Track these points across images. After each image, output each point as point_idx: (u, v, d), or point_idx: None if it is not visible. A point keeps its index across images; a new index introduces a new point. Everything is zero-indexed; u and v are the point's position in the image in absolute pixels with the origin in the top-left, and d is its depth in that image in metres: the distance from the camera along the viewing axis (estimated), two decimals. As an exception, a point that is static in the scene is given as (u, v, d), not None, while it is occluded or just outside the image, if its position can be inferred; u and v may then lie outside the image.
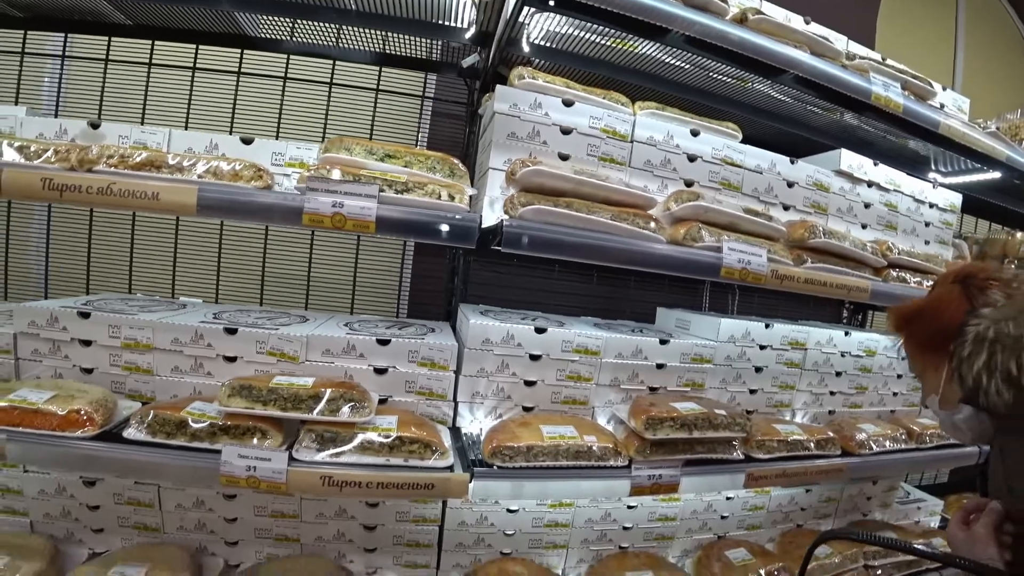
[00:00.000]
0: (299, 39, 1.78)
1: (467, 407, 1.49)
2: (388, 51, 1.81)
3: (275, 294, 1.96)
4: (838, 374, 1.89)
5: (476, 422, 1.50)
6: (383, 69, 1.91)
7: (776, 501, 1.91)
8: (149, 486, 1.49)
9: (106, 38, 1.81)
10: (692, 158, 1.59)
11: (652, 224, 1.34)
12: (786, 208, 1.74)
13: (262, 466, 1.18)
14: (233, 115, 1.87)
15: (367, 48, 1.80)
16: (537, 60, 1.66)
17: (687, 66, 1.65)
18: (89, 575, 1.36)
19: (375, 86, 1.94)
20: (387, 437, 1.25)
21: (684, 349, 1.62)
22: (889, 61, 1.77)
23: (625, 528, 1.71)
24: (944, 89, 2.00)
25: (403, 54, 1.82)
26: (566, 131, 1.47)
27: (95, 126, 1.42)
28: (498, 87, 1.44)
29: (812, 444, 1.62)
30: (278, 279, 1.96)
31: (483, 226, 1.24)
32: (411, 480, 1.22)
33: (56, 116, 1.81)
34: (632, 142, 1.53)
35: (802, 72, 1.53)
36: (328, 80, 1.91)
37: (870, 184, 1.87)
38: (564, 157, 1.47)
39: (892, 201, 1.92)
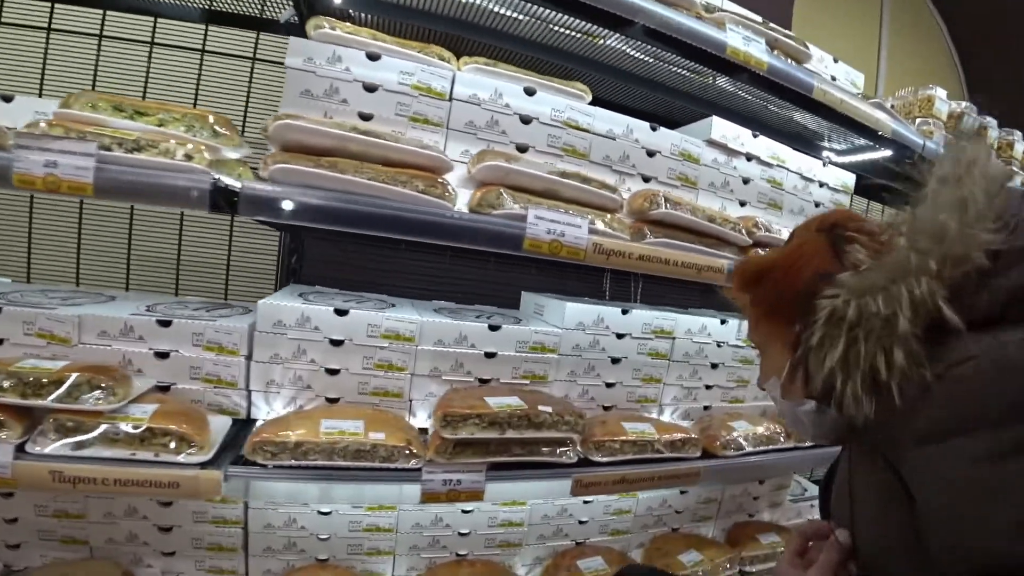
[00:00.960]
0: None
1: (262, 397, 1.37)
2: (215, 7, 1.70)
3: (89, 272, 1.85)
4: (714, 366, 1.75)
5: (274, 414, 1.39)
6: (209, 27, 1.80)
7: (645, 504, 1.77)
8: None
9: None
10: (526, 120, 1.46)
11: (438, 188, 1.21)
12: (646, 180, 1.60)
13: (-16, 458, 1.08)
14: (43, 76, 1.76)
15: (193, 4, 1.69)
16: (354, 12, 1.54)
17: (523, 17, 1.52)
18: None
19: (200, 47, 1.83)
20: (136, 428, 1.15)
21: (521, 336, 1.50)
22: (772, 25, 1.63)
23: (461, 534, 1.59)
24: (836, 61, 1.85)
25: (231, 11, 1.71)
26: (370, 88, 1.35)
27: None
28: (291, 39, 1.32)
29: (664, 445, 1.48)
30: (96, 255, 1.84)
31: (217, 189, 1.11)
32: (153, 477, 1.12)
33: None
34: (451, 100, 1.41)
35: (646, 20, 1.40)
36: (149, 40, 1.80)
37: (749, 158, 1.72)
38: (366, 117, 1.35)
39: (776, 177, 1.77)
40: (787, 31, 1.61)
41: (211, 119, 1.20)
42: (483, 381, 1.49)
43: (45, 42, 1.76)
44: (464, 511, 1.57)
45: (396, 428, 1.29)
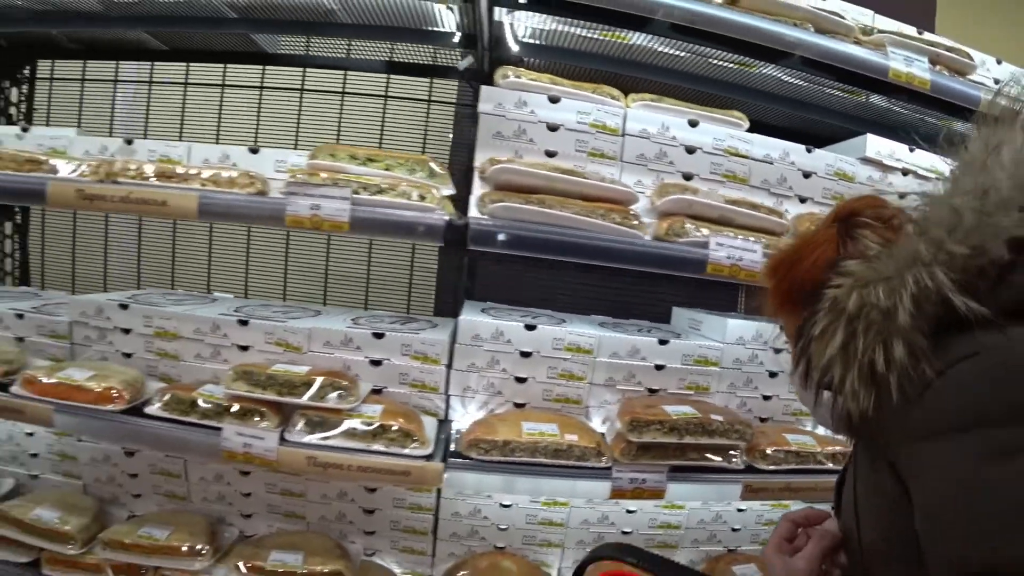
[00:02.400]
0: (314, 53, 1.98)
1: (459, 401, 1.59)
2: (395, 59, 1.96)
3: (296, 290, 2.19)
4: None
5: (468, 415, 1.60)
6: (391, 77, 2.07)
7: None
8: (178, 459, 1.73)
9: (149, 63, 2.12)
10: (691, 150, 1.60)
11: (632, 220, 1.38)
12: (803, 200, 1.70)
13: (256, 444, 1.35)
14: (257, 127, 2.11)
15: (376, 58, 1.97)
16: (528, 58, 1.73)
17: (682, 54, 1.66)
18: (122, 533, 1.61)
19: (383, 93, 2.11)
20: (370, 424, 1.39)
21: (686, 350, 1.64)
22: (927, 35, 1.68)
23: (624, 532, 1.74)
24: (999, 63, 1.85)
25: (409, 61, 1.97)
26: (553, 127, 1.54)
27: (129, 142, 1.67)
28: (482, 88, 1.54)
29: (826, 457, 1.58)
30: (299, 276, 2.18)
31: (449, 225, 1.34)
32: (388, 466, 1.35)
33: (111, 135, 2.13)
34: (624, 136, 1.57)
35: (806, 52, 1.50)
36: (341, 90, 2.10)
37: (905, 172, 1.77)
38: (551, 154, 1.55)
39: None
40: (949, 44, 1.65)
41: (429, 162, 1.42)
42: (652, 391, 1.64)
43: (259, 99, 2.10)
44: (628, 511, 1.72)
45: (584, 431, 1.47)
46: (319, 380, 1.41)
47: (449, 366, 1.57)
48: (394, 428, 1.39)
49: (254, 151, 1.60)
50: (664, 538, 1.76)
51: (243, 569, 1.54)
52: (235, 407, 1.42)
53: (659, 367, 1.63)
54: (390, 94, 2.12)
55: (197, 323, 1.60)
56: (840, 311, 0.67)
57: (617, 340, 1.60)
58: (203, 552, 1.58)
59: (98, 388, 1.47)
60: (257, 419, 1.41)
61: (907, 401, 0.61)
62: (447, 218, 1.30)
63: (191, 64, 2.10)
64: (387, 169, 1.40)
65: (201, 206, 1.33)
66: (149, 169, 1.40)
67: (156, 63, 2.12)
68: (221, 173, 1.39)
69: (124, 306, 1.64)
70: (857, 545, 0.75)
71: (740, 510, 1.81)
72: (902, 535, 0.63)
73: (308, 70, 2.07)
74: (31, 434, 1.85)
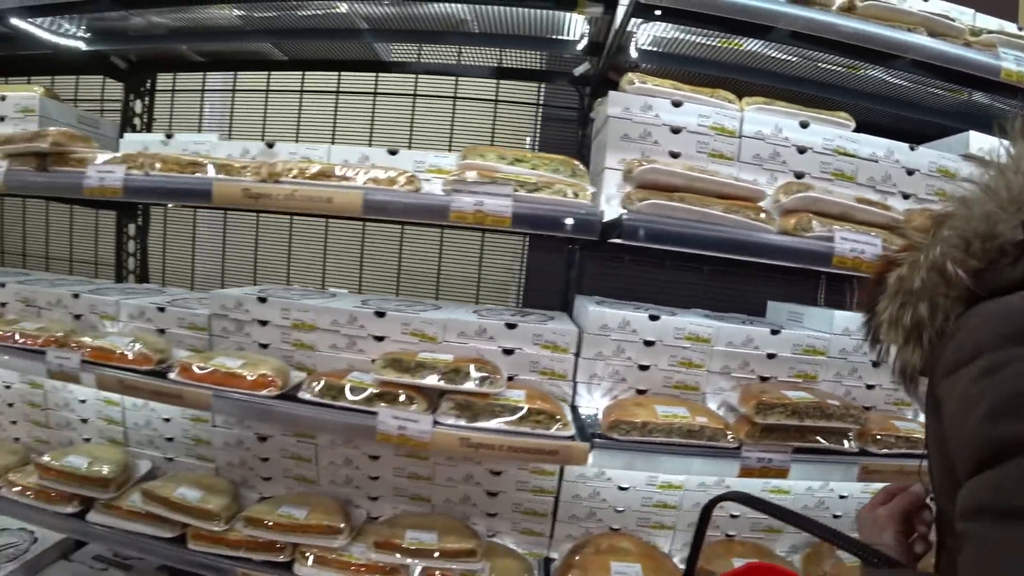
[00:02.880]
0: (426, 60, 2.07)
1: (585, 387, 1.67)
2: (505, 64, 2.05)
3: (407, 286, 2.28)
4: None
5: (593, 401, 1.67)
6: (500, 82, 2.16)
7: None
8: (308, 444, 1.81)
9: (266, 72, 2.22)
10: (802, 150, 1.68)
11: (762, 215, 1.46)
12: (906, 197, 1.76)
13: (411, 426, 1.43)
14: (372, 131, 2.20)
15: (486, 64, 2.05)
16: (644, 64, 1.81)
17: (794, 59, 1.74)
18: (262, 512, 1.69)
19: (494, 97, 2.19)
20: (517, 407, 1.47)
21: (796, 340, 1.70)
22: (1029, 32, 1.74)
23: (732, 516, 1.80)
24: None
25: (518, 66, 2.05)
26: (676, 130, 1.62)
27: (270, 145, 1.76)
28: (611, 93, 1.61)
29: (934, 441, 1.64)
30: (411, 273, 2.28)
31: (603, 221, 1.41)
32: (537, 446, 1.42)
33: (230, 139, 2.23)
34: (740, 137, 1.65)
35: (919, 56, 1.56)
36: (452, 95, 2.19)
37: (1006, 171, 1.83)
38: (675, 155, 1.62)
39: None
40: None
41: (573, 162, 1.50)
42: (763, 378, 1.71)
43: (372, 104, 2.20)
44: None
45: (710, 414, 1.54)
46: (467, 366, 1.49)
47: (577, 354, 1.65)
48: (539, 411, 1.46)
49: (393, 152, 1.68)
50: (770, 522, 1.82)
51: (381, 546, 1.62)
52: (385, 392, 1.50)
53: (771, 356, 1.70)
54: (484, 97, 2.21)
55: (334, 315, 1.68)
56: (894, 292, 0.81)
57: (733, 330, 1.67)
58: (341, 530, 1.66)
59: (252, 375, 1.56)
60: (406, 403, 1.49)
61: (937, 353, 0.73)
62: (599, 213, 1.37)
63: (307, 72, 2.19)
64: (533, 168, 1.48)
65: (366, 203, 1.41)
66: (311, 169, 1.48)
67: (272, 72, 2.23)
68: (378, 173, 1.47)
69: (263, 299, 1.73)
70: (934, 490, 0.83)
71: (842, 497, 1.86)
72: (951, 469, 0.70)
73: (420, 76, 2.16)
74: (168, 420, 1.93)
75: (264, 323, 1.75)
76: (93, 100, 2.45)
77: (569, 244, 2.05)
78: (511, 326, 1.64)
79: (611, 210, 1.57)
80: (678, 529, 1.80)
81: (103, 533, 1.77)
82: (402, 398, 1.49)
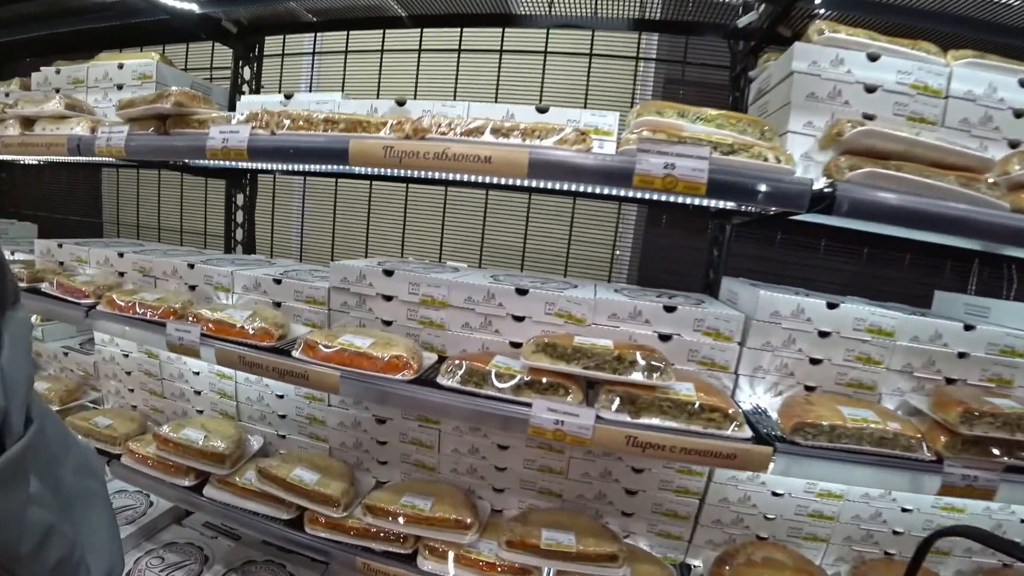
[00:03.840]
0: (557, 12, 1.82)
1: (747, 381, 1.44)
2: (647, 16, 1.78)
3: (488, 258, 2.09)
4: None
5: (754, 397, 1.45)
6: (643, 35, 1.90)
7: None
8: (432, 429, 1.63)
9: (382, 31, 2.01)
10: (1019, 114, 1.38)
11: (996, 190, 1.18)
12: None
13: (569, 420, 1.23)
14: (497, 91, 1.98)
15: (625, 15, 1.79)
16: (829, 11, 1.53)
17: (1015, 1, 1.43)
18: (384, 500, 1.53)
19: (635, 54, 1.93)
20: (687, 403, 1.25)
21: (992, 338, 1.42)
22: None
23: (895, 532, 1.56)
24: None
25: (662, 18, 1.78)
26: (870, 89, 1.35)
27: (401, 103, 1.56)
28: (796, 44, 1.35)
29: None
30: (492, 245, 2.08)
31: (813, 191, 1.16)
32: (713, 448, 1.21)
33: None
34: (946, 98, 1.36)
35: None
36: (588, 51, 1.94)
37: None
38: (868, 117, 1.35)
39: None
40: None
41: (763, 124, 1.24)
42: (949, 380, 1.44)
43: (499, 62, 1.97)
44: (904, 509, 1.53)
45: (900, 421, 1.29)
46: (634, 354, 1.27)
47: (742, 343, 1.41)
48: (713, 408, 1.24)
49: (542, 110, 1.46)
50: (937, 544, 1.56)
51: (514, 546, 1.44)
52: (535, 381, 1.30)
53: (961, 355, 1.43)
54: (621, 54, 1.95)
55: (469, 291, 1.49)
56: None
57: (920, 324, 1.41)
58: (469, 525, 1.49)
59: (384, 356, 1.38)
60: (560, 394, 1.29)
61: None
62: (809, 182, 1.13)
63: (426, 29, 1.98)
64: (718, 128, 1.23)
65: (532, 162, 1.19)
66: (464, 125, 1.27)
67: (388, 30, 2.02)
68: (543, 130, 1.25)
69: (389, 272, 1.55)
70: None
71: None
72: None
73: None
74: (281, 396, 1.79)
75: (389, 298, 1.57)
76: (202, 68, 2.31)
77: (716, 218, 1.79)
78: (670, 309, 1.41)
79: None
80: (832, 543, 1.57)
81: (219, 510, 1.65)
82: (556, 388, 1.29)
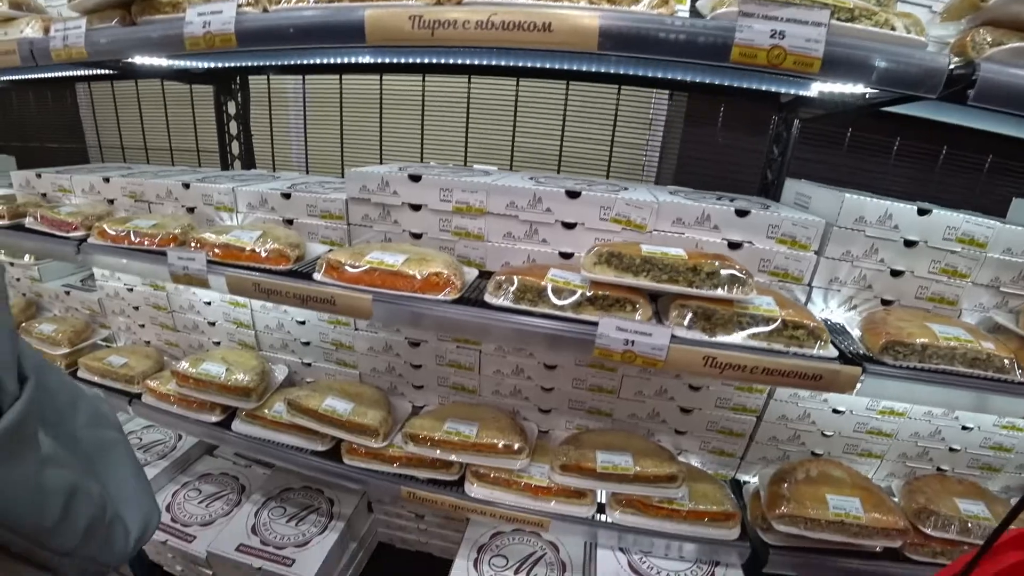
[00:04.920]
0: None
1: (821, 294, 1.27)
2: None
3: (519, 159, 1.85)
4: None
5: (827, 312, 1.29)
6: None
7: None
8: (471, 350, 1.48)
9: None
10: None
11: None
12: None
13: (640, 340, 1.06)
14: None
15: None
16: None
17: None
18: (426, 427, 1.40)
19: None
20: (769, 318, 1.09)
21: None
22: None
23: (952, 450, 1.46)
24: None
25: None
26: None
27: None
28: None
29: None
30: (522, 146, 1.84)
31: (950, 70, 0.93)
32: (797, 368, 1.06)
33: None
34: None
35: None
36: None
37: None
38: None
39: None
40: None
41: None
42: (1037, 292, 1.29)
43: None
44: (964, 427, 1.43)
45: (993, 340, 1.14)
46: (711, 264, 1.09)
47: (819, 252, 1.24)
48: (797, 325, 1.08)
49: None
50: (991, 460, 1.48)
51: (569, 469, 1.33)
52: (597, 296, 1.12)
53: (1054, 265, 1.27)
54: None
55: (511, 195, 1.27)
56: None
57: (1017, 234, 1.23)
58: (520, 450, 1.37)
59: (421, 274, 1.18)
60: (627, 310, 1.12)
61: None
62: (946, 61, 0.89)
63: None
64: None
65: (603, 30, 0.93)
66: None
67: None
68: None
69: (415, 177, 1.31)
70: None
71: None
72: None
73: None
74: (302, 323, 1.61)
75: (417, 207, 1.34)
76: None
77: (782, 111, 1.55)
78: (742, 213, 1.22)
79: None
80: (887, 459, 1.48)
81: (251, 445, 1.52)
82: (623, 304, 1.12)
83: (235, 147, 1.96)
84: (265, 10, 1.13)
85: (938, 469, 1.49)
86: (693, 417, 1.45)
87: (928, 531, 1.29)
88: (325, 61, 1.61)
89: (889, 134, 1.59)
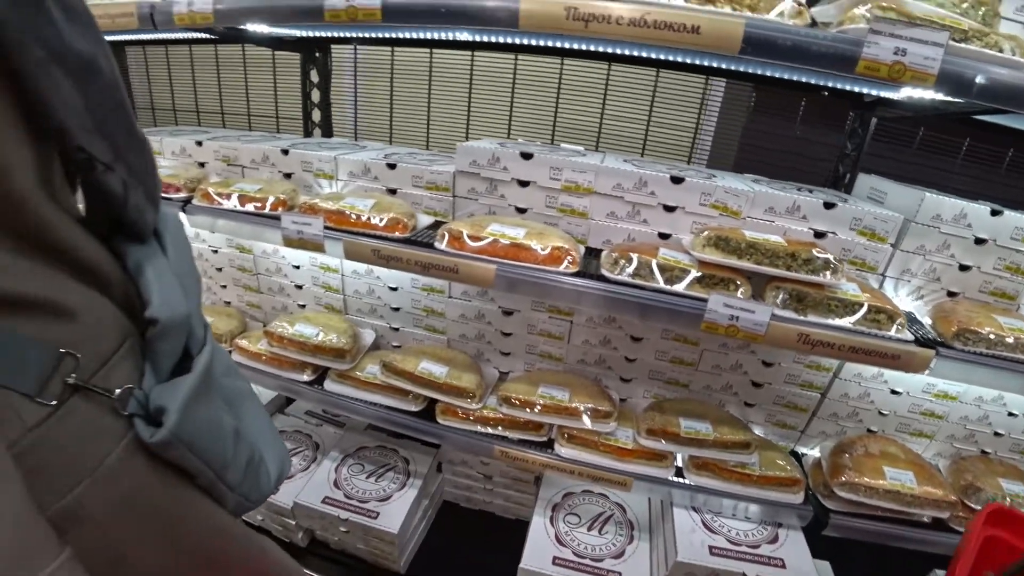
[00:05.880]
0: None
1: (892, 283, 1.47)
2: None
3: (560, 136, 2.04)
4: None
5: (896, 299, 1.48)
6: None
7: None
8: (563, 320, 1.65)
9: None
10: None
11: None
12: None
13: (744, 316, 1.24)
14: None
15: None
16: None
17: None
18: (520, 391, 1.58)
19: None
20: (855, 303, 1.27)
21: None
22: None
23: (996, 434, 1.66)
24: None
25: None
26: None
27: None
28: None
29: None
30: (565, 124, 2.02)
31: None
32: (878, 348, 1.24)
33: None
34: None
35: None
36: None
37: None
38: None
39: None
40: None
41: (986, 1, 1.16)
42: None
43: None
44: (1011, 414, 1.64)
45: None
46: (808, 251, 1.27)
47: (895, 245, 1.43)
48: (879, 309, 1.27)
49: None
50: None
51: (655, 433, 1.52)
52: (703, 276, 1.30)
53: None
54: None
55: (618, 177, 1.44)
56: None
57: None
58: (609, 414, 1.55)
59: (544, 248, 1.34)
60: (730, 289, 1.30)
61: None
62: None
63: None
64: (939, 6, 1.15)
65: (747, 36, 1.09)
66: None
67: None
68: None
69: (527, 155, 1.47)
70: None
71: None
72: None
73: None
74: (395, 289, 1.76)
75: (525, 184, 1.50)
76: None
77: (860, 109, 1.73)
78: (829, 205, 1.40)
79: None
80: (936, 439, 1.69)
81: (342, 403, 1.68)
82: (727, 283, 1.30)
83: (316, 115, 2.09)
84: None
85: (982, 452, 1.70)
86: (763, 391, 1.64)
87: (973, 505, 1.51)
88: (424, 36, 1.75)
89: (959, 135, 1.78)
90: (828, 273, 1.27)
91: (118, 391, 0.59)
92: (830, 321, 1.27)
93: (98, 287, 0.61)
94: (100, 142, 0.60)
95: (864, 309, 1.27)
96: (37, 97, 0.53)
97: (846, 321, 1.27)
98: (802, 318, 1.27)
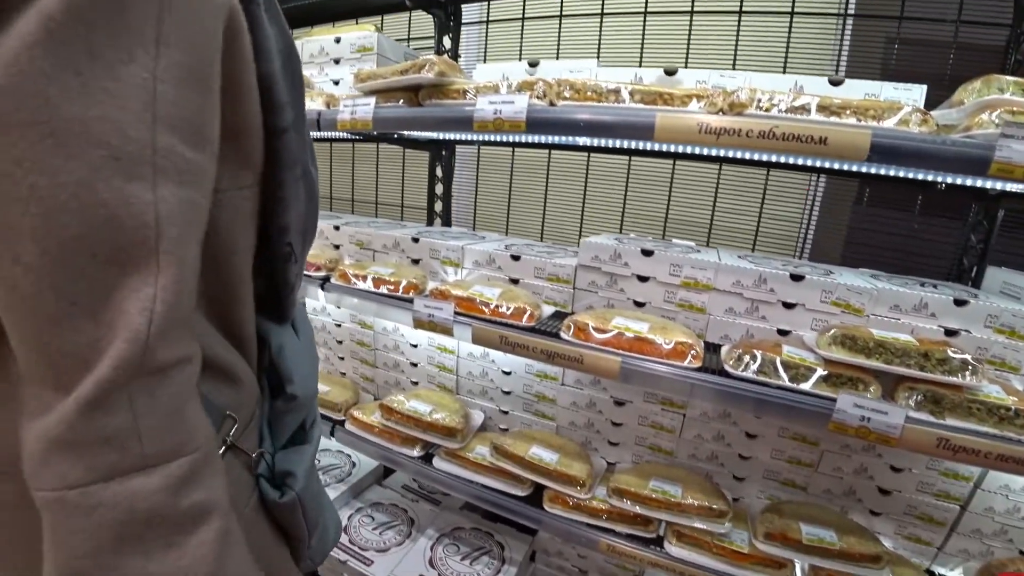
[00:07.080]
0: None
1: None
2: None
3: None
4: None
5: None
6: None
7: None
8: (676, 413, 1.72)
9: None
10: None
11: None
12: None
13: (876, 418, 1.28)
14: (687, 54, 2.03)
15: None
16: None
17: None
18: (631, 483, 1.62)
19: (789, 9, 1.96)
20: (1000, 406, 1.28)
21: None
22: None
23: None
24: None
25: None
26: None
27: (671, 72, 1.60)
28: None
29: None
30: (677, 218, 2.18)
31: None
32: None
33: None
34: None
35: None
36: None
37: None
38: None
39: None
40: None
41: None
42: None
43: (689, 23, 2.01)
44: None
45: None
46: (943, 351, 1.31)
47: (1036, 345, 1.43)
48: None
49: (836, 83, 1.48)
50: None
51: (773, 538, 1.51)
52: (829, 375, 1.35)
53: None
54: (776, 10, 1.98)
55: (737, 275, 1.54)
56: None
57: None
58: (723, 514, 1.57)
59: (667, 343, 1.45)
60: (860, 389, 1.34)
61: None
62: None
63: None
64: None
65: (874, 145, 1.21)
66: (789, 101, 1.30)
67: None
68: (878, 108, 1.27)
69: (648, 252, 1.61)
70: None
71: None
72: None
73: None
74: (508, 373, 1.90)
75: (645, 279, 1.63)
76: (400, 39, 2.42)
77: (983, 200, 1.78)
78: (961, 302, 1.43)
79: None
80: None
81: (449, 481, 1.78)
82: (854, 382, 1.35)
83: (438, 206, 2.36)
84: (552, 104, 1.49)
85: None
86: (892, 499, 1.61)
87: None
88: (541, 140, 1.99)
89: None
90: (968, 374, 1.29)
91: (254, 454, 0.70)
92: (971, 426, 1.28)
93: (248, 360, 0.74)
94: (299, 238, 0.77)
95: (1012, 413, 1.28)
96: (284, 204, 0.70)
97: (990, 426, 1.28)
98: (940, 421, 1.29)
